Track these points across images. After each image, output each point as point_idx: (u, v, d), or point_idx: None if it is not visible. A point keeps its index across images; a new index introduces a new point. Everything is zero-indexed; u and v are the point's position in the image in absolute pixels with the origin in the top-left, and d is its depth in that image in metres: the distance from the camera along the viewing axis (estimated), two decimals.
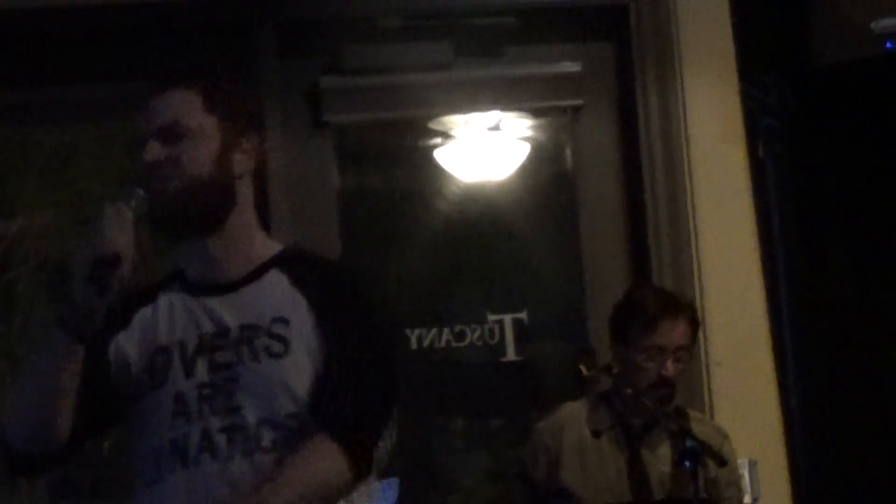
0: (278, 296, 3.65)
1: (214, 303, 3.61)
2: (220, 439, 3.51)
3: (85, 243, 3.26)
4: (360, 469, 3.33)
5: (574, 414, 5.87)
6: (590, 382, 5.99)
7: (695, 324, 5.89)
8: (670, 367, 5.65)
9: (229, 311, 3.61)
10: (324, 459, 3.36)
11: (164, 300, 3.59)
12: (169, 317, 3.63)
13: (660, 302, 5.93)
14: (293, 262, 3.73)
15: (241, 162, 3.50)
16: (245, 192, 3.54)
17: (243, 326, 3.58)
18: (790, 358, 6.81)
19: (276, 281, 3.66)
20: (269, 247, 3.68)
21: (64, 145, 8.39)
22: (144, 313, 3.54)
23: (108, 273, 3.26)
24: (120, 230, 3.29)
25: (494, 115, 7.20)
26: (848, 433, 6.80)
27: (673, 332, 5.78)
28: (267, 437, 3.45)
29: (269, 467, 3.44)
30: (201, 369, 3.57)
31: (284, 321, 3.58)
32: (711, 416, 6.42)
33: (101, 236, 3.28)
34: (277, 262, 3.69)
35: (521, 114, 7.23)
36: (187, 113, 3.48)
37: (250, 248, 3.67)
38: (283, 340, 3.56)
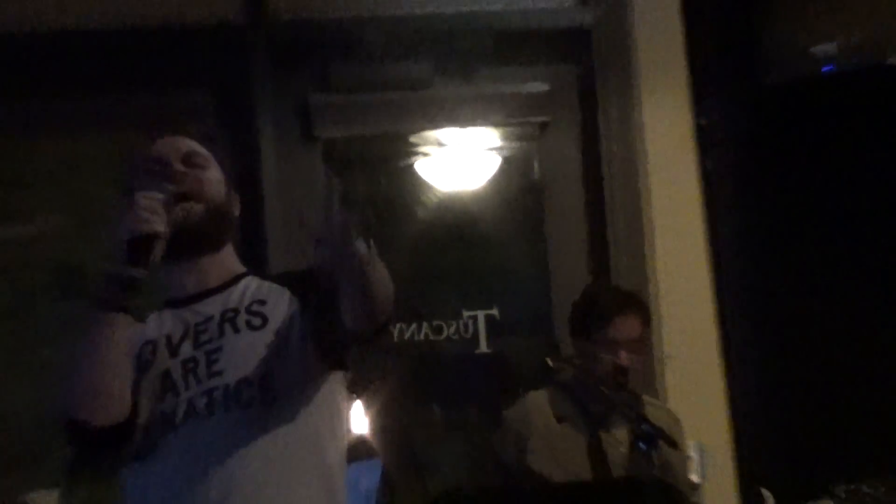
0: (254, 287, 3.89)
1: (199, 305, 3.84)
2: (202, 401, 3.74)
3: (124, 221, 3.49)
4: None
5: (539, 402, 6.04)
6: (555, 373, 6.10)
7: (647, 319, 6.09)
8: (624, 359, 5.80)
9: (212, 305, 3.84)
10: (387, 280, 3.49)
11: (152, 315, 3.75)
12: (156, 322, 3.80)
13: (614, 299, 6.13)
14: (262, 273, 4.02)
15: (234, 205, 3.85)
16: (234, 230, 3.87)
17: (225, 311, 3.81)
18: (736, 350, 7.17)
19: (251, 281, 3.93)
20: (235, 265, 3.93)
21: (76, 153, 8.31)
22: (136, 327, 3.69)
23: (146, 249, 3.50)
24: (153, 212, 3.54)
25: (469, 130, 7.57)
26: (790, 418, 7.08)
27: (626, 327, 5.94)
28: (246, 395, 3.72)
29: (249, 421, 3.74)
30: (186, 348, 3.79)
31: (262, 301, 3.85)
32: (664, 403, 6.58)
33: (138, 215, 3.50)
34: (249, 273, 3.95)
35: (493, 129, 7.59)
36: (203, 149, 3.83)
37: (230, 267, 3.91)
38: (261, 316, 3.81)
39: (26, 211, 8.68)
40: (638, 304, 6.15)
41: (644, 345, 6.12)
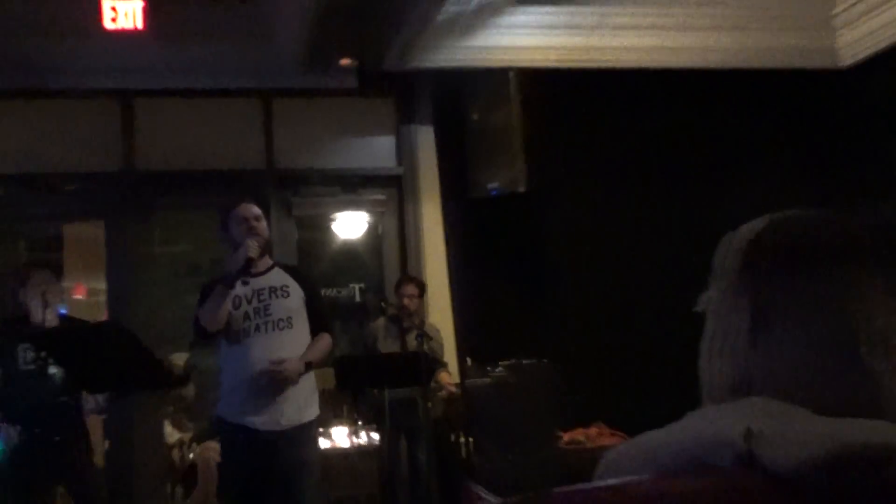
0: (282, 276, 4.25)
1: (257, 280, 4.16)
2: (263, 326, 4.09)
3: (241, 249, 4.00)
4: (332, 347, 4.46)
5: (380, 322, 6.39)
6: (385, 310, 6.43)
7: (421, 288, 6.47)
8: (406, 302, 6.25)
9: (263, 282, 4.17)
10: (326, 340, 4.33)
11: (238, 284, 4.06)
12: (240, 286, 4.09)
13: (402, 278, 6.62)
14: (280, 265, 4.39)
15: (269, 234, 4.35)
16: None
17: (271, 287, 4.17)
18: (458, 306, 7.05)
19: (279, 271, 4.29)
20: (269, 261, 4.30)
21: (196, 218, 8.31)
22: (231, 290, 4.02)
23: (251, 264, 4.03)
24: (255, 247, 4.02)
25: (353, 212, 7.57)
26: (481, 328, 6.93)
27: (408, 289, 6.36)
28: (281, 325, 4.11)
29: (285, 338, 4.08)
30: (255, 301, 4.11)
31: (286, 286, 4.20)
32: (432, 321, 6.75)
33: (250, 249, 4.00)
34: (276, 265, 4.32)
35: (363, 212, 7.56)
36: (259, 209, 4.25)
37: (268, 262, 4.26)
38: (287, 292, 4.18)
39: (175, 239, 8.88)
40: (415, 281, 6.57)
41: (419, 298, 6.40)
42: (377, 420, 6.23)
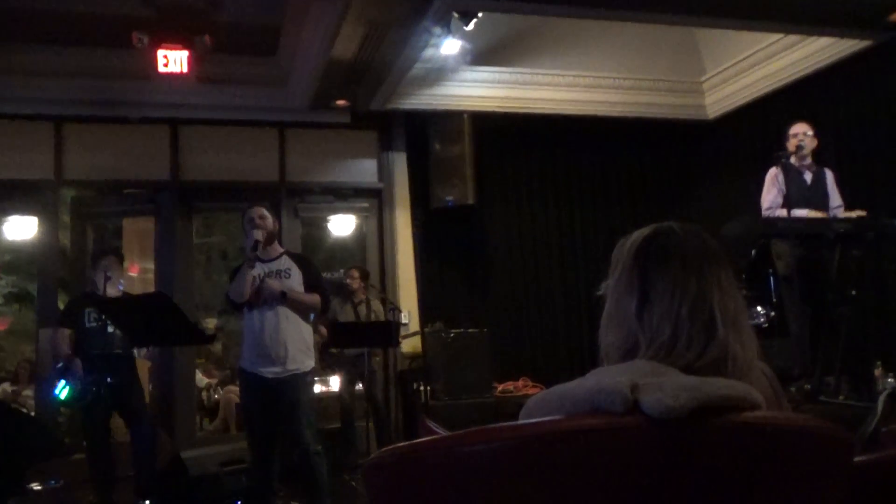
0: (288, 262, 4.05)
1: (270, 263, 4.00)
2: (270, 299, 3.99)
3: (249, 238, 3.87)
4: (324, 306, 4.15)
5: (337, 300, 5.97)
6: (342, 289, 6.22)
7: (363, 273, 6.21)
8: (353, 283, 6.06)
9: (273, 266, 4.00)
10: (315, 296, 4.04)
11: (257, 266, 3.92)
12: (258, 266, 3.92)
13: (352, 266, 6.38)
14: (288, 253, 4.13)
15: (276, 229, 4.08)
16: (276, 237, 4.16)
17: (277, 270, 4.01)
18: (420, 290, 6.73)
19: (286, 258, 4.07)
20: (280, 249, 4.09)
21: (222, 219, 7.90)
22: (251, 269, 3.87)
23: (258, 246, 3.88)
24: (259, 233, 3.86)
25: (344, 216, 7.23)
26: (441, 305, 6.80)
27: (353, 273, 6.15)
28: (284, 296, 3.91)
29: (288, 305, 3.85)
30: (268, 279, 3.96)
31: (289, 269, 4.02)
32: (397, 298, 6.66)
33: (256, 234, 3.86)
34: (284, 253, 4.09)
35: (352, 215, 7.19)
36: (265, 210, 4.02)
37: (278, 249, 4.06)
38: (289, 273, 4.00)
39: (209, 232, 8.23)
40: (358, 268, 6.30)
41: (361, 280, 6.11)
42: (338, 370, 5.98)
